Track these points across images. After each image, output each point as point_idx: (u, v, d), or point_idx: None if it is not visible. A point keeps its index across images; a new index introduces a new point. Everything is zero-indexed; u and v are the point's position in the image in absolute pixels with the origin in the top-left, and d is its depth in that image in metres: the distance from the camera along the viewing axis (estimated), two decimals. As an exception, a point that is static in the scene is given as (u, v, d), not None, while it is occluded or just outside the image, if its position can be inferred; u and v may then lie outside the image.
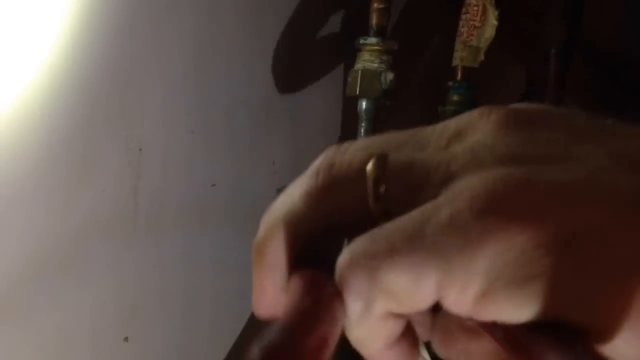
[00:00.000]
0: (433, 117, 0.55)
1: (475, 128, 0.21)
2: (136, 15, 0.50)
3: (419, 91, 0.63)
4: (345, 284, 0.20)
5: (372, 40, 0.53)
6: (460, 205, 0.19)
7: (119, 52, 0.49)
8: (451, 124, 0.21)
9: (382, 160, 0.20)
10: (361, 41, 0.54)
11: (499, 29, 0.54)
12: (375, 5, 0.53)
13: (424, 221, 0.19)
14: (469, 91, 0.55)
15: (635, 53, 0.55)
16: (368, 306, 0.20)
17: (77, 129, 0.47)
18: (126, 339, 0.52)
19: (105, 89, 0.49)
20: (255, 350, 0.16)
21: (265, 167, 0.62)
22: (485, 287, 0.19)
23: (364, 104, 0.53)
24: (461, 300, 0.19)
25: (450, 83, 0.55)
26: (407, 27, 0.62)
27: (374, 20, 0.53)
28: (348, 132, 0.56)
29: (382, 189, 0.20)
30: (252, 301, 0.23)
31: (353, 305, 0.20)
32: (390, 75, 0.53)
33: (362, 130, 0.53)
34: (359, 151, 0.21)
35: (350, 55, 0.56)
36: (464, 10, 0.55)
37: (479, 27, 0.54)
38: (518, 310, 0.19)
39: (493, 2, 0.54)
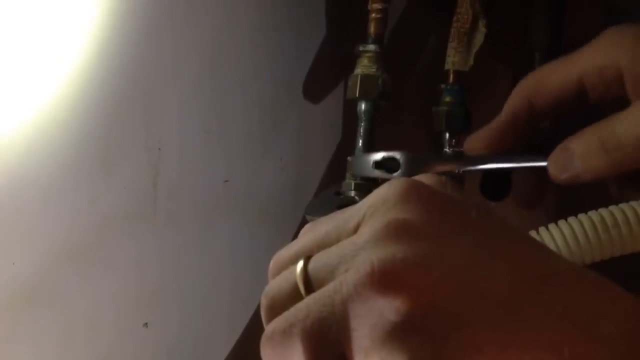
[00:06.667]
0: (427, 116, 0.59)
1: (367, 223, 0.28)
2: (156, 21, 0.54)
3: (414, 93, 0.67)
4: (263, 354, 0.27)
5: (371, 47, 0.57)
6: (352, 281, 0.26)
7: (139, 58, 0.53)
8: (355, 214, 0.28)
9: (304, 267, 0.28)
10: (360, 48, 0.57)
11: (487, 36, 0.58)
12: (373, 15, 0.57)
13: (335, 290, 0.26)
14: (460, 93, 0.58)
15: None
16: None
17: (101, 130, 0.51)
18: (146, 324, 0.55)
19: (127, 93, 0.52)
20: None
21: (274, 164, 0.65)
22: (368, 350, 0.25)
23: (363, 106, 0.57)
24: None
25: (442, 85, 0.59)
26: (403, 34, 0.66)
27: (372, 29, 0.57)
28: (349, 131, 0.59)
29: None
30: None
31: None
32: (386, 79, 0.57)
33: (362, 129, 0.56)
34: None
35: (349, 60, 0.59)
36: (455, 18, 0.58)
37: (468, 34, 0.57)
38: None
39: (482, 11, 0.58)
